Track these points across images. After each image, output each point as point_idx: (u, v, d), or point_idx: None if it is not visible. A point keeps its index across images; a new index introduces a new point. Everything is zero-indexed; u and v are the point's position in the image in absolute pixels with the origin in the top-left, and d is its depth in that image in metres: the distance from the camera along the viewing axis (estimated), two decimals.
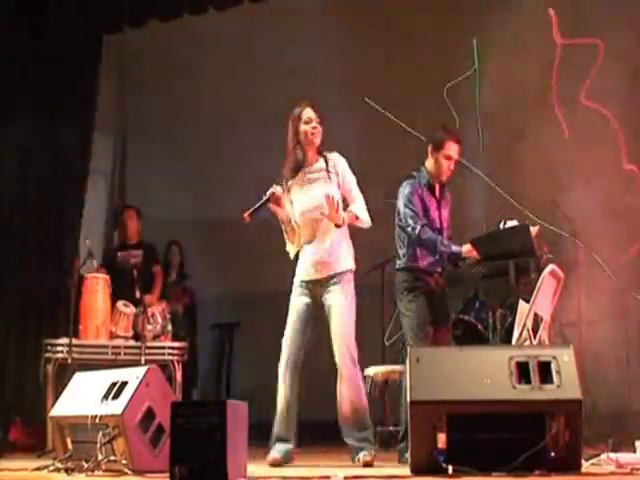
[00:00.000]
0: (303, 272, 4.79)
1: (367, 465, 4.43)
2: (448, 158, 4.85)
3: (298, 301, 4.76)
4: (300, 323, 4.73)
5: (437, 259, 4.80)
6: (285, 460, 4.61)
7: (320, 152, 4.82)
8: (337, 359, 4.64)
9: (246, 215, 4.62)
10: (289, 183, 4.83)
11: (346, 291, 4.69)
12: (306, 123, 4.76)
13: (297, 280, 4.81)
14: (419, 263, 4.81)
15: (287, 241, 4.84)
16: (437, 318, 4.81)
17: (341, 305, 4.66)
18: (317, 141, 4.79)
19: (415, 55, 7.42)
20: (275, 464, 4.51)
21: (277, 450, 4.63)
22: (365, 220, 4.76)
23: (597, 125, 6.16)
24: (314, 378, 4.73)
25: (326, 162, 4.78)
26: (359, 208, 4.76)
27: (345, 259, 4.76)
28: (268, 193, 4.68)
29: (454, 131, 5.02)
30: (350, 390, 4.62)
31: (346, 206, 4.76)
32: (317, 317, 4.76)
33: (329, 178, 4.75)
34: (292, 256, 4.85)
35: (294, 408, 4.69)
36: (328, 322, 4.69)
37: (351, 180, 4.80)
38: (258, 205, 4.65)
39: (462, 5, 7.03)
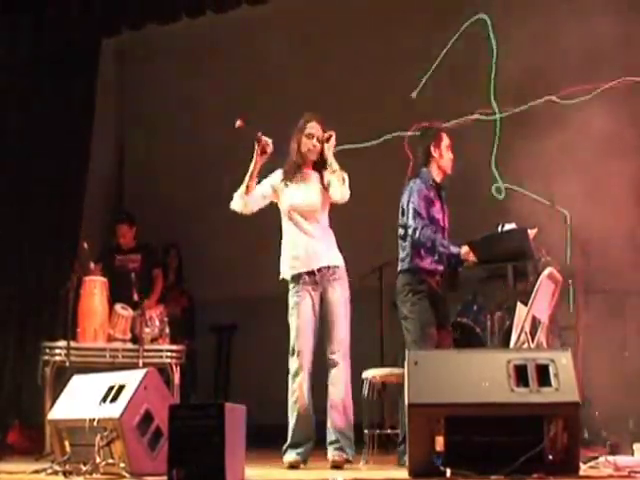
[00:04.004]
0: (297, 263, 4.74)
1: (336, 467, 4.49)
2: (448, 148, 4.91)
3: (303, 299, 4.71)
4: (312, 322, 4.70)
5: (438, 259, 4.79)
6: (304, 461, 4.62)
7: (316, 166, 4.83)
8: (335, 355, 4.66)
9: (240, 122, 4.61)
10: (285, 182, 4.85)
11: (345, 288, 4.73)
12: (307, 137, 4.79)
13: (294, 276, 4.75)
14: (422, 263, 4.78)
15: (241, 190, 4.77)
16: (440, 320, 4.80)
17: (340, 302, 4.69)
18: (313, 157, 4.81)
19: None
20: (295, 465, 4.53)
21: (297, 452, 4.61)
22: (344, 190, 4.69)
23: None
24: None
25: (321, 175, 4.81)
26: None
27: (338, 254, 4.79)
28: (260, 138, 4.68)
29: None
30: (346, 386, 4.68)
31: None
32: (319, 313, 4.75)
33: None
34: (233, 205, 4.78)
35: (311, 410, 4.68)
36: (326, 317, 4.70)
37: None
38: (254, 135, 4.65)
39: None
